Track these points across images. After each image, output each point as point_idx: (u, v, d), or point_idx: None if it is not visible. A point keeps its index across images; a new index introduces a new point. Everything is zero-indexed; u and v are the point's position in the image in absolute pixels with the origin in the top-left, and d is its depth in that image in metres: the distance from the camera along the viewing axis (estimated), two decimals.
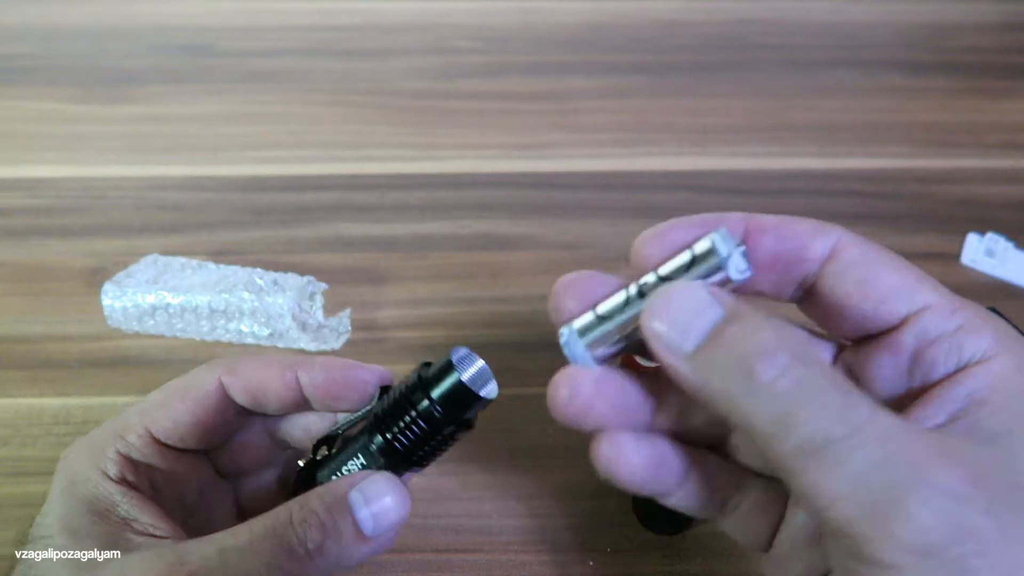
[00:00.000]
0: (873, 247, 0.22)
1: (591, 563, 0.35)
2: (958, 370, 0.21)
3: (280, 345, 0.42)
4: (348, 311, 0.43)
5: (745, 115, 0.59)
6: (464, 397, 0.25)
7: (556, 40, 0.66)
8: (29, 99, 0.58)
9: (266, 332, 0.42)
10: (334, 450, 0.27)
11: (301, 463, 0.28)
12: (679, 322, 0.20)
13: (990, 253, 0.49)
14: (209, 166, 0.53)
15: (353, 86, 0.60)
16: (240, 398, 0.27)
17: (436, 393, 0.25)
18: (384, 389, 0.27)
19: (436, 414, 0.25)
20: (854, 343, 0.24)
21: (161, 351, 0.42)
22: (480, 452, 0.38)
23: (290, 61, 0.63)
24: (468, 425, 0.26)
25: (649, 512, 0.35)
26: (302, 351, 0.42)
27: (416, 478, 0.28)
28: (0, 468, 0.37)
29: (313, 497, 0.24)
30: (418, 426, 0.25)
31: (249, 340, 0.42)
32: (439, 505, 0.36)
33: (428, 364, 0.26)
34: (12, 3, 0.68)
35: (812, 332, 0.25)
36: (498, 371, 0.44)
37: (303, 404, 0.27)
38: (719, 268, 0.20)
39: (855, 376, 0.23)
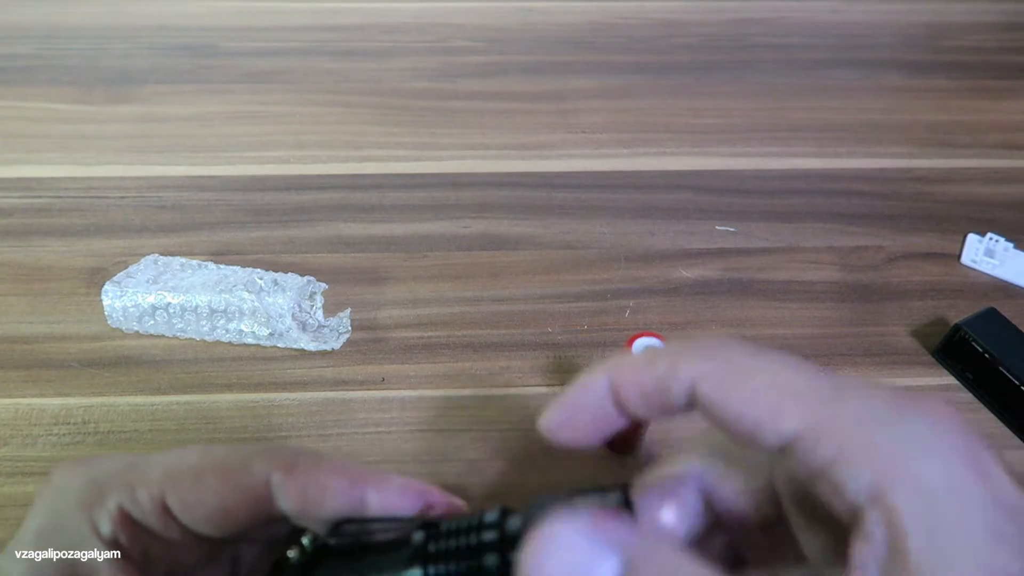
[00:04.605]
0: (735, 364, 0.18)
1: None
2: (854, 517, 0.16)
3: (280, 345, 0.42)
4: (348, 311, 0.43)
5: (745, 115, 0.59)
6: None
7: (556, 40, 0.66)
8: (29, 99, 0.58)
9: (266, 332, 0.42)
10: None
11: (291, 555, 0.22)
12: None
13: (990, 253, 0.49)
14: (209, 166, 0.53)
15: (353, 86, 0.60)
16: (287, 504, 0.22)
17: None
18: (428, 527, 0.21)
19: None
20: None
21: (161, 351, 0.42)
22: (480, 452, 0.38)
23: (290, 61, 0.63)
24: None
25: None
26: (302, 351, 0.42)
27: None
28: (0, 468, 0.37)
29: None
30: None
31: (249, 340, 0.42)
32: None
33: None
34: (12, 3, 0.68)
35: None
36: (498, 371, 0.44)
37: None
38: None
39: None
